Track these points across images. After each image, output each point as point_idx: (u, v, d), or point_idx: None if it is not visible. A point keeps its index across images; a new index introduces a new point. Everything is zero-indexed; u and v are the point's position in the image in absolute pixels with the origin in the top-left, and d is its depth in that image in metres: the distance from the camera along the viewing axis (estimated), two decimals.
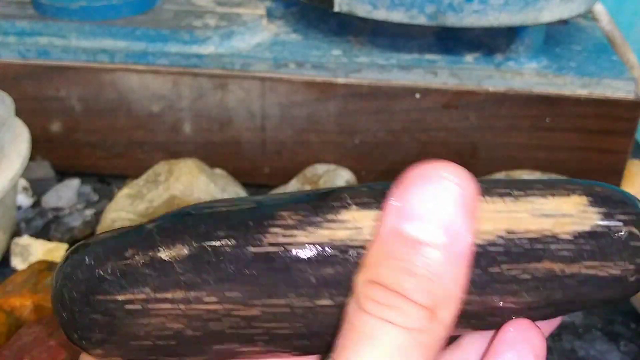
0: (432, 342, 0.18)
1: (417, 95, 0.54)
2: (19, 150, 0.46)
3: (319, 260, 0.19)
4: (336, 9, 0.52)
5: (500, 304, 0.21)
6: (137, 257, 0.20)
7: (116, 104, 0.55)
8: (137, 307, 0.20)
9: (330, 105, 0.55)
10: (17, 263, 0.49)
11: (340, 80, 0.54)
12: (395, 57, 0.55)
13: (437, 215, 0.18)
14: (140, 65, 0.54)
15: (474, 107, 0.54)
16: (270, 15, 0.61)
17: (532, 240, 0.21)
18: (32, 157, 0.50)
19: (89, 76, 0.54)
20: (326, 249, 0.19)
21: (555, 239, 0.21)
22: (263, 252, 0.19)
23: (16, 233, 0.52)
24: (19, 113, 0.49)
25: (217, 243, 0.20)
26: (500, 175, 0.52)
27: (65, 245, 0.50)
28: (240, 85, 0.54)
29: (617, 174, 0.56)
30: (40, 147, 0.56)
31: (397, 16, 0.50)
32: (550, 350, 0.44)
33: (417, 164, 0.18)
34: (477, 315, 0.21)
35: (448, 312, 0.18)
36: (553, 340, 0.45)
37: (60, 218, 0.54)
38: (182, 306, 0.20)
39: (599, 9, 0.60)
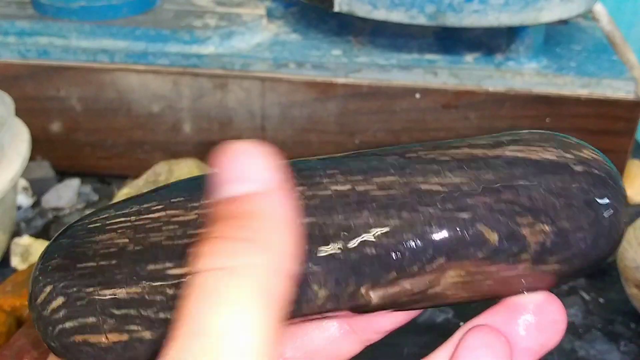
0: (272, 276, 0.17)
1: (417, 95, 0.54)
2: (19, 150, 0.46)
3: None
4: (336, 9, 0.52)
5: (426, 187, 0.20)
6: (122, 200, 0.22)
7: (116, 104, 0.55)
8: (97, 224, 0.22)
9: (330, 105, 0.55)
10: (17, 263, 0.49)
11: (340, 80, 0.54)
12: (395, 57, 0.55)
13: (240, 173, 0.18)
14: (140, 65, 0.54)
15: (474, 107, 0.54)
16: (270, 15, 0.61)
17: (447, 139, 0.21)
18: (32, 157, 0.50)
19: (89, 76, 0.54)
20: None
21: (470, 137, 0.21)
22: (210, 173, 0.21)
23: (16, 233, 0.52)
24: (19, 113, 0.49)
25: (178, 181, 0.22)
26: None
27: None
28: (240, 85, 0.54)
29: None
30: (40, 147, 0.56)
31: (397, 16, 0.50)
32: (550, 350, 0.44)
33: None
34: (407, 201, 0.19)
35: (278, 245, 0.17)
36: None
37: (60, 218, 0.54)
38: (133, 218, 0.21)
39: (599, 9, 0.61)
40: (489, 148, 0.20)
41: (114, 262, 0.20)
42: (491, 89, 0.54)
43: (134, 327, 0.20)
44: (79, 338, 0.20)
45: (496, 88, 0.54)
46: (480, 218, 0.19)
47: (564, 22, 0.63)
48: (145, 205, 0.21)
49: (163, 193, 0.22)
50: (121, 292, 0.20)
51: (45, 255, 0.22)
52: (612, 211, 0.20)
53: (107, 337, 0.20)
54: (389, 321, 0.23)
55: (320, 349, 0.24)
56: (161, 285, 0.20)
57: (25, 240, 0.50)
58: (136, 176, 0.54)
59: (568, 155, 0.20)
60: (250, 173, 0.18)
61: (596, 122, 0.54)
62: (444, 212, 0.19)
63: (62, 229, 0.23)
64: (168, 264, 0.20)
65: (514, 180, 0.19)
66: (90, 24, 0.54)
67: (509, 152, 0.20)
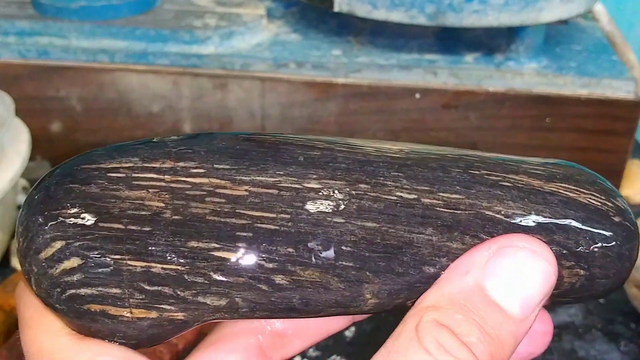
0: None
1: (417, 95, 0.54)
2: (19, 150, 0.46)
3: (307, 145, 0.20)
4: (336, 9, 0.52)
5: (490, 213, 0.20)
6: (134, 144, 0.20)
7: (116, 104, 0.55)
8: (121, 175, 0.19)
9: (330, 105, 0.55)
10: (17, 263, 0.49)
11: (340, 80, 0.54)
12: (395, 57, 0.55)
13: (522, 289, 0.19)
14: (140, 65, 0.54)
15: (474, 107, 0.54)
16: (270, 15, 0.61)
17: (504, 158, 0.21)
18: (32, 157, 0.50)
19: (89, 76, 0.54)
20: (314, 142, 0.20)
21: (525, 162, 0.21)
22: (254, 137, 0.20)
23: None
24: (19, 113, 0.49)
25: (212, 134, 0.20)
26: None
27: None
28: (240, 85, 0.54)
29: (617, 174, 0.56)
30: (40, 147, 0.56)
31: (397, 16, 0.50)
32: (550, 350, 0.44)
33: (519, 235, 0.20)
34: (471, 226, 0.20)
35: None
36: (553, 340, 0.45)
37: None
38: (167, 177, 0.19)
39: (599, 9, 0.60)
40: (544, 180, 0.21)
41: (147, 228, 0.18)
42: (491, 89, 0.54)
43: (166, 307, 0.19)
44: (95, 307, 0.19)
45: (496, 88, 0.54)
46: None
47: (564, 22, 0.63)
48: (181, 164, 0.19)
49: (201, 153, 0.19)
50: (156, 267, 0.18)
51: (50, 198, 0.19)
52: (633, 263, 0.21)
53: (131, 312, 0.19)
54: None
55: (310, 323, 0.24)
56: (205, 266, 0.18)
57: None
58: None
59: (609, 204, 0.21)
60: (527, 292, 0.19)
61: (596, 122, 0.54)
62: None
63: (65, 164, 0.19)
64: (214, 244, 0.18)
65: (566, 221, 0.20)
66: (90, 24, 0.54)
67: (563, 190, 0.21)
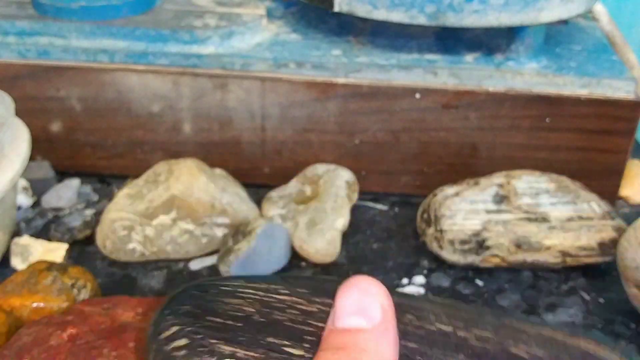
0: None
1: (417, 95, 0.54)
2: (19, 150, 0.46)
3: None
4: (336, 9, 0.52)
5: (515, 350, 0.24)
6: (243, 275, 0.28)
7: (116, 104, 0.56)
8: (229, 289, 0.26)
9: (330, 105, 0.55)
10: (17, 263, 0.49)
11: (340, 80, 0.54)
12: (395, 57, 0.55)
13: (356, 307, 0.23)
14: (140, 65, 0.54)
15: (474, 107, 0.54)
16: (270, 15, 0.61)
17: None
18: (32, 157, 0.50)
19: (89, 76, 0.54)
20: None
21: (551, 325, 0.27)
22: (330, 278, 0.27)
23: (16, 233, 0.52)
24: (19, 113, 0.49)
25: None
26: (500, 175, 0.53)
27: (65, 245, 0.50)
28: (240, 85, 0.54)
29: (617, 174, 0.56)
30: (40, 147, 0.56)
31: (397, 16, 0.50)
32: None
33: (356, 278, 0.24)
34: (497, 357, 0.23)
35: None
36: None
37: (60, 218, 0.54)
38: (261, 293, 0.26)
39: (599, 9, 0.61)
40: (568, 336, 0.25)
41: (239, 324, 0.24)
42: (491, 89, 0.54)
43: None
44: None
45: (496, 88, 0.54)
46: None
47: (564, 22, 0.63)
48: (273, 286, 0.26)
49: (289, 281, 0.26)
50: (240, 353, 0.23)
51: (176, 299, 0.26)
52: None
53: None
54: None
55: None
56: (277, 357, 0.23)
57: (25, 240, 0.50)
58: (136, 176, 0.54)
59: None
60: (366, 309, 0.23)
61: (596, 122, 0.54)
62: None
63: (192, 283, 0.27)
64: (286, 342, 0.24)
65: None
66: (90, 24, 0.54)
67: (584, 344, 0.24)
